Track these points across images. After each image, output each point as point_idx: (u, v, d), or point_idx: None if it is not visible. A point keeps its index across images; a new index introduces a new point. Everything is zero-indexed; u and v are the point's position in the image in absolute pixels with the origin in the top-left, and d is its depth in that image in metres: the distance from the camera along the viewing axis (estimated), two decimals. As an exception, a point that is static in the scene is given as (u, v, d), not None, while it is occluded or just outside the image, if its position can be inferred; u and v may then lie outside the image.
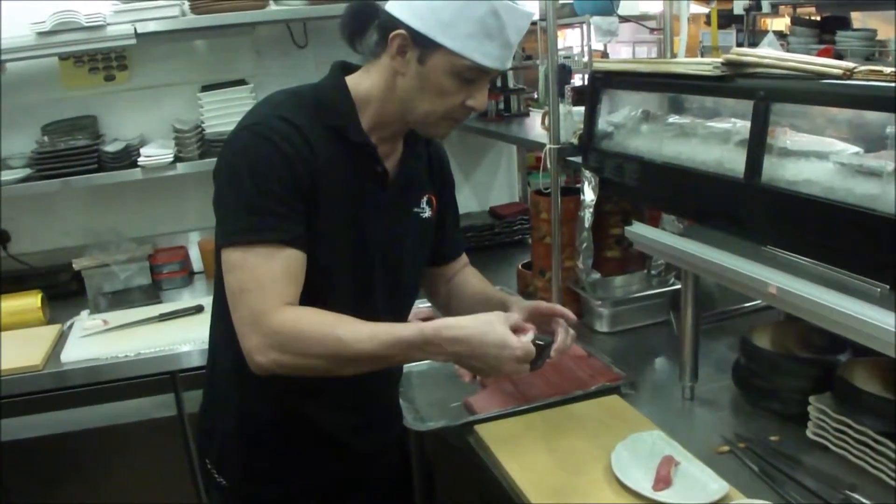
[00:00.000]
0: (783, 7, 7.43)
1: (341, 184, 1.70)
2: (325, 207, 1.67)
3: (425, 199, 1.92)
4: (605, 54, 8.03)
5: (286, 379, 1.66)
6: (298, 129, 1.64)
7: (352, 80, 1.75)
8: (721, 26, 6.57)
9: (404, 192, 1.85)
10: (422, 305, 2.63)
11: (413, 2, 1.62)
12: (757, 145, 1.76)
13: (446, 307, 2.17)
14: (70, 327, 3.12)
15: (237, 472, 1.91)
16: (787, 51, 6.32)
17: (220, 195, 1.68)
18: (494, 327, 1.60)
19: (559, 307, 2.00)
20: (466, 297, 2.10)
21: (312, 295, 1.65)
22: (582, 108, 2.50)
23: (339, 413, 1.88)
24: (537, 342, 1.96)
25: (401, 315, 1.97)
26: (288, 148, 1.61)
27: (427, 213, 1.92)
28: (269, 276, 1.59)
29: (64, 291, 3.49)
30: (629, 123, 2.30)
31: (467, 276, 2.16)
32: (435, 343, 1.59)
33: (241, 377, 1.80)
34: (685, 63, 2.04)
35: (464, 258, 2.20)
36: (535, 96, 4.15)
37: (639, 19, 6.48)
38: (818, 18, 7.36)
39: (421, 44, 1.62)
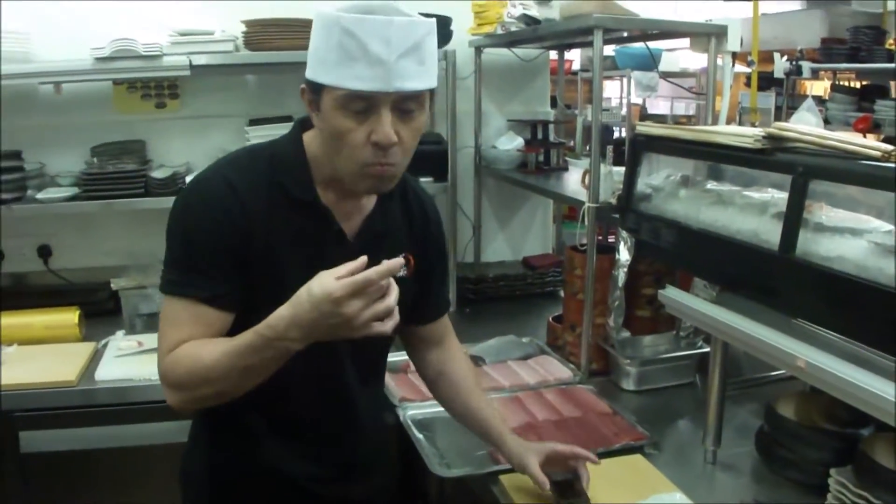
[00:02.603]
0: (823, 72, 7.49)
1: (293, 242, 1.68)
2: (273, 267, 1.64)
3: (401, 257, 1.79)
4: (643, 108, 8.09)
5: (245, 427, 1.74)
6: (235, 189, 1.65)
7: (307, 137, 1.75)
8: (761, 88, 6.64)
9: (370, 250, 1.56)
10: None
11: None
12: (793, 219, 1.78)
13: (434, 387, 2.11)
14: (105, 346, 3.16)
15: None
16: (826, 117, 6.37)
17: (166, 246, 1.72)
18: (312, 293, 1.44)
19: (578, 449, 2.02)
20: (462, 403, 2.05)
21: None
22: (621, 168, 2.54)
23: (305, 462, 1.85)
24: (564, 480, 1.99)
25: (370, 376, 1.94)
26: (218, 209, 1.64)
27: (402, 273, 1.77)
28: (175, 324, 1.64)
29: (100, 310, 3.53)
30: (667, 187, 2.34)
31: (461, 368, 2.10)
32: (277, 337, 1.49)
33: (206, 423, 1.86)
34: (727, 134, 2.06)
35: (445, 321, 2.11)
36: (572, 145, 4.19)
37: (678, 76, 6.55)
38: (858, 86, 7.42)
39: (314, 90, 1.60)
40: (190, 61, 3.24)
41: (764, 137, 1.92)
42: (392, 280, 1.48)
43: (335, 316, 1.43)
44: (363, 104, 1.54)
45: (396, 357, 2.73)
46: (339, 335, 1.48)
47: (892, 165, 1.62)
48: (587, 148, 4.36)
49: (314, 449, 1.87)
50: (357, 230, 1.78)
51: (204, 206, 1.65)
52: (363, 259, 1.45)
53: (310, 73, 1.59)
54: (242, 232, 1.64)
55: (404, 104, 1.57)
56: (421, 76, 1.56)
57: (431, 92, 1.65)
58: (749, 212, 2.00)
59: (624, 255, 2.55)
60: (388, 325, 1.50)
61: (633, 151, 2.45)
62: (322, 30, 1.55)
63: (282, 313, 1.48)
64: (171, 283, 1.67)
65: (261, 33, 3.31)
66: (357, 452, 1.94)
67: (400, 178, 1.70)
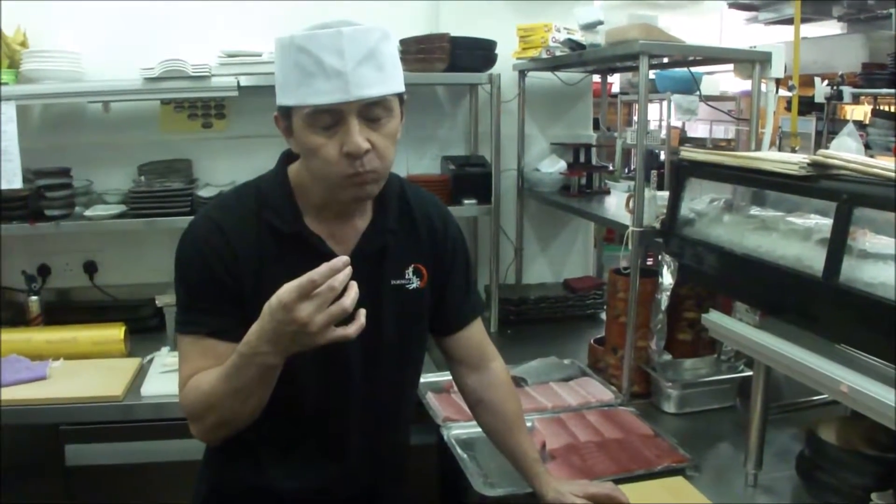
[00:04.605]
0: (864, 97, 7.45)
1: (287, 274, 1.54)
2: (266, 299, 1.51)
3: (410, 269, 1.86)
4: (682, 131, 8.08)
5: (253, 455, 1.79)
6: (221, 228, 1.70)
7: (292, 168, 1.78)
8: (801, 113, 6.60)
9: (369, 268, 1.70)
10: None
11: None
12: (837, 246, 1.80)
13: (475, 413, 2.11)
14: (150, 362, 3.19)
15: None
16: (867, 142, 6.33)
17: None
18: (270, 303, 1.46)
19: (616, 494, 2.00)
20: (500, 437, 2.06)
21: (280, 386, 1.62)
22: (665, 193, 2.56)
23: (312, 490, 1.86)
24: None
25: (391, 395, 1.92)
26: (206, 249, 1.69)
27: (415, 284, 1.86)
28: (187, 360, 1.71)
29: (144, 326, 3.58)
30: (711, 212, 2.36)
31: (501, 400, 2.06)
32: (252, 353, 1.52)
33: (216, 448, 1.87)
34: (771, 160, 2.08)
35: (480, 340, 2.08)
36: (611, 168, 4.20)
37: (718, 99, 6.53)
38: (899, 111, 7.36)
39: (285, 116, 1.63)
40: (238, 82, 3.29)
41: (809, 164, 1.94)
42: (353, 283, 1.45)
43: (290, 323, 1.44)
44: (330, 118, 1.56)
45: (439, 377, 2.78)
46: (303, 344, 1.48)
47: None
48: (626, 171, 4.38)
49: (323, 479, 1.86)
50: (352, 251, 1.76)
51: (193, 247, 1.71)
52: (323, 264, 1.43)
53: (278, 100, 1.63)
54: (231, 269, 1.69)
55: (370, 112, 1.59)
56: (381, 82, 1.57)
57: (401, 97, 1.66)
58: (792, 238, 2.02)
59: (667, 278, 2.57)
60: (351, 330, 1.48)
61: (677, 176, 2.47)
62: (280, 54, 1.59)
63: (253, 328, 1.52)
64: (179, 322, 1.75)
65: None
66: (371, 482, 1.95)
67: (385, 182, 1.71)
